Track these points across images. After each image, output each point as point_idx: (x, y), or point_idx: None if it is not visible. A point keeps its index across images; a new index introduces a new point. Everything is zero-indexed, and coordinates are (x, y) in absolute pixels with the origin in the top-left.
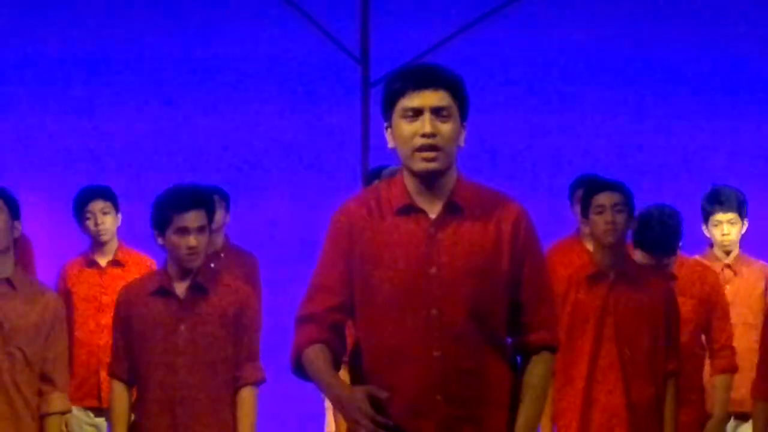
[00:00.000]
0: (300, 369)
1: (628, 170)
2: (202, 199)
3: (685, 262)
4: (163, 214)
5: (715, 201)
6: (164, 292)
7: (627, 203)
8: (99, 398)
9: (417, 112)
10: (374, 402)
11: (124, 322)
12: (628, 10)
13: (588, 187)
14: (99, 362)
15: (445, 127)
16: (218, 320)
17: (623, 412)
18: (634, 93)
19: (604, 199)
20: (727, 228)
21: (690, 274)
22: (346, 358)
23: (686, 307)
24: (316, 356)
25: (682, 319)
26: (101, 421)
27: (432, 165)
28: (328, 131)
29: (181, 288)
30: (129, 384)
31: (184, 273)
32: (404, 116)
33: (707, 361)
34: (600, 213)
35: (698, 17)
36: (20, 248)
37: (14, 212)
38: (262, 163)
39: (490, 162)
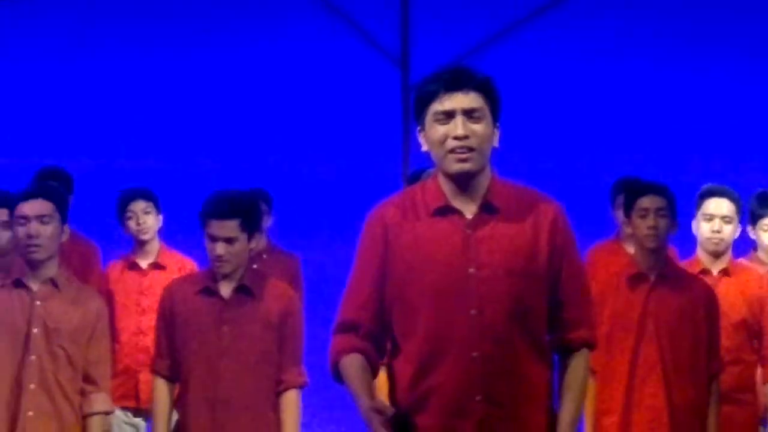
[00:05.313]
0: (338, 376)
1: (667, 171)
2: (235, 209)
3: (739, 264)
4: (201, 219)
5: (765, 204)
6: (209, 292)
7: (670, 207)
8: (137, 398)
9: (449, 115)
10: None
11: (168, 320)
12: (674, 16)
13: (632, 189)
14: (138, 364)
15: (478, 128)
16: (262, 323)
17: (665, 414)
18: (674, 97)
19: (647, 202)
20: None
21: (745, 277)
22: (385, 360)
23: (739, 309)
24: (351, 366)
25: (734, 322)
26: (139, 421)
27: (466, 165)
28: (369, 134)
29: (226, 289)
30: (171, 381)
31: (227, 275)
32: (436, 119)
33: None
34: (643, 217)
35: (733, 24)
36: (83, 253)
37: (64, 217)
38: (303, 166)
39: (532, 161)
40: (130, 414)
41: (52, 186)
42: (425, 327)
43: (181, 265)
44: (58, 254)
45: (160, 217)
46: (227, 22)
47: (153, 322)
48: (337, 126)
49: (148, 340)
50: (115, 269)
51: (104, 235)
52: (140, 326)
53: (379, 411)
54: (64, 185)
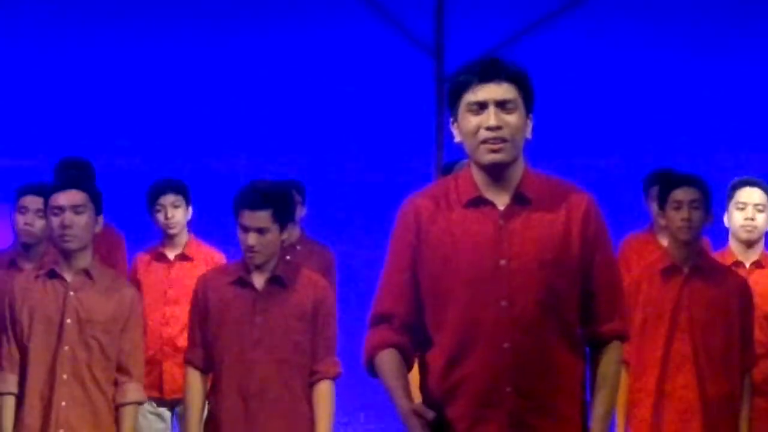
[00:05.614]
0: (373, 371)
1: (699, 164)
2: (267, 199)
3: None
4: (234, 209)
5: None
6: (242, 282)
7: (704, 200)
8: (161, 389)
9: (482, 106)
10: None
11: (201, 311)
12: (703, 12)
13: (666, 181)
14: (163, 354)
15: (510, 119)
16: (295, 313)
17: (697, 407)
18: (710, 91)
19: (681, 194)
20: None
21: None
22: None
23: None
24: (387, 364)
25: (766, 314)
26: (164, 411)
27: (498, 156)
28: (402, 125)
29: (259, 280)
30: (204, 372)
31: (259, 266)
32: (469, 110)
33: None
34: (677, 209)
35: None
36: (110, 243)
37: (98, 208)
38: (337, 157)
39: (565, 152)
40: (154, 404)
41: (86, 177)
42: (456, 317)
43: (209, 257)
44: (92, 245)
45: (190, 209)
46: (261, 14)
47: (178, 313)
48: (371, 117)
49: (173, 331)
50: (143, 261)
51: (136, 225)
52: (165, 317)
53: (419, 414)
54: (86, 175)
